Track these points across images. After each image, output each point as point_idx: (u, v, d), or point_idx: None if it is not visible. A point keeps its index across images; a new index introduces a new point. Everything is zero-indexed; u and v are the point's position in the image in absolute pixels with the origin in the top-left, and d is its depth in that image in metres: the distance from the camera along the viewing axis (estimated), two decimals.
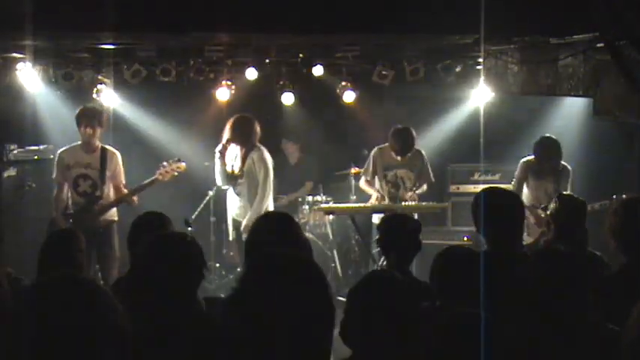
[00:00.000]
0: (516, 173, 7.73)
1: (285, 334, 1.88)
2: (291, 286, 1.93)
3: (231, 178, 7.55)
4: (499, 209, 4.10)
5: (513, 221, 4.17)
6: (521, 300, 3.22)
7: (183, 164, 7.42)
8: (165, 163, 7.35)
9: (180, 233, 3.58)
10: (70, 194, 7.25)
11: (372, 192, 8.16)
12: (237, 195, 7.59)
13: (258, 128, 7.52)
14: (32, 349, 1.58)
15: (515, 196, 4.56)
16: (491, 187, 4.69)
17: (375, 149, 8.19)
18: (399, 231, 4.52)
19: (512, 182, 7.73)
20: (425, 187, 8.22)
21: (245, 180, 7.49)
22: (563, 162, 7.56)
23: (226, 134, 7.49)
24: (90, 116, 7.20)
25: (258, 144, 7.54)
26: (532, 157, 7.60)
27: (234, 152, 7.52)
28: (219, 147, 7.50)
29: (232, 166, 7.53)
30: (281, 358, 1.89)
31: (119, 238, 7.09)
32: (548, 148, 7.49)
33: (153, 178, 7.29)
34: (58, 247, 4.52)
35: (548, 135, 7.64)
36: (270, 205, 7.54)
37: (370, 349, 2.74)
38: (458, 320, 2.57)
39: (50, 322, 1.63)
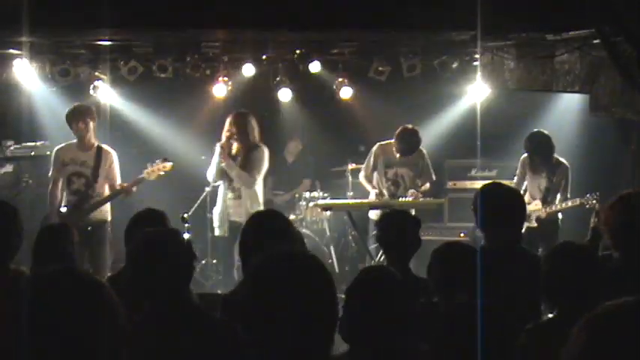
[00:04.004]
0: (517, 169, 7.75)
1: (290, 329, 1.89)
2: (297, 283, 1.95)
3: (226, 174, 7.51)
4: (499, 205, 4.11)
5: (513, 217, 4.17)
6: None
7: (169, 164, 7.41)
8: (152, 163, 7.36)
9: (168, 230, 3.61)
10: (64, 191, 7.25)
11: (370, 189, 8.15)
12: (232, 192, 7.53)
13: (256, 124, 7.51)
14: (31, 341, 1.60)
15: (516, 191, 4.55)
16: (493, 183, 4.69)
17: (377, 145, 8.15)
18: (399, 228, 4.51)
19: (515, 178, 7.75)
20: (428, 185, 8.20)
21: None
22: (561, 158, 7.55)
23: (227, 130, 7.47)
24: (80, 113, 7.20)
25: (260, 143, 7.51)
26: None
27: (234, 148, 7.49)
28: (223, 141, 7.46)
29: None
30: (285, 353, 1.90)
31: (113, 237, 7.10)
32: (537, 143, 7.47)
33: (139, 177, 7.29)
34: (50, 241, 4.53)
35: (537, 130, 7.62)
36: (260, 199, 7.54)
37: (368, 344, 2.75)
38: (455, 314, 2.58)
39: (49, 314, 1.64)
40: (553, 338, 3.04)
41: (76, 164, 7.21)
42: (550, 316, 3.40)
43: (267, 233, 3.62)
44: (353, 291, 2.82)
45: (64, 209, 7.16)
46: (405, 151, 7.93)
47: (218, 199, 7.64)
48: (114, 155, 7.32)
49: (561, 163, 7.52)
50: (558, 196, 7.45)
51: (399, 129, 7.93)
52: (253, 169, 7.40)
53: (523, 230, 7.07)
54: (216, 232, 7.66)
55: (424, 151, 8.16)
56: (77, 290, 1.70)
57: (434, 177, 8.27)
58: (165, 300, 3.15)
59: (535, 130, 7.63)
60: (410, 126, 7.94)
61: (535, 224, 7.37)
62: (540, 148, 7.44)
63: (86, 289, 1.71)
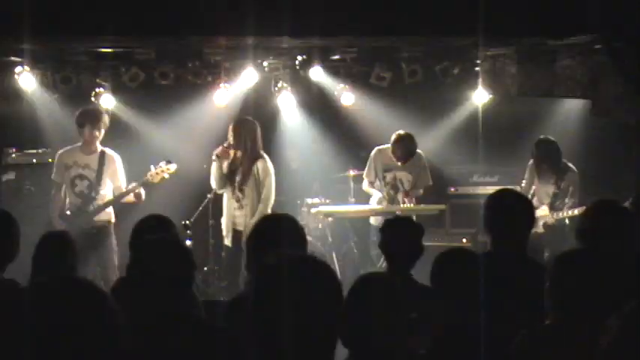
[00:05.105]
0: (525, 174, 7.73)
1: (293, 333, 1.89)
2: (302, 286, 1.94)
3: (228, 183, 7.46)
4: (511, 211, 4.11)
5: (523, 224, 4.16)
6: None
7: (173, 166, 7.39)
8: (155, 166, 7.33)
9: (166, 236, 3.60)
10: (67, 194, 7.25)
11: (375, 192, 8.11)
12: (237, 202, 7.45)
13: (260, 133, 7.42)
14: (30, 350, 1.59)
15: (527, 199, 4.55)
16: (505, 189, 4.71)
17: (375, 150, 8.15)
18: (401, 235, 4.50)
19: (522, 183, 7.73)
20: (421, 190, 8.17)
21: (250, 189, 7.34)
22: (569, 164, 7.51)
23: (229, 138, 7.38)
24: (96, 118, 7.21)
25: (262, 152, 7.42)
26: None
27: (236, 157, 7.41)
28: (219, 150, 7.42)
29: (234, 172, 7.41)
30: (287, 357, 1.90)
31: (119, 239, 7.08)
32: (544, 150, 7.46)
33: (143, 179, 7.28)
34: (50, 249, 4.52)
35: (544, 136, 7.61)
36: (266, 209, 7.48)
37: (368, 350, 2.74)
38: (455, 320, 2.57)
39: (47, 323, 1.64)
40: (551, 343, 3.04)
41: (79, 167, 7.22)
42: (548, 322, 3.38)
43: (270, 236, 3.61)
44: (353, 297, 2.81)
45: (67, 213, 7.17)
46: (403, 158, 7.91)
47: (224, 208, 7.59)
48: (117, 159, 7.33)
49: (569, 168, 7.48)
50: (566, 201, 7.41)
51: (394, 136, 7.91)
52: (264, 187, 7.29)
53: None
54: (225, 241, 7.60)
55: (422, 154, 8.14)
56: (76, 299, 1.70)
57: (431, 182, 8.23)
58: (163, 309, 3.14)
59: (542, 136, 7.60)
60: (403, 132, 7.92)
61: (542, 230, 7.34)
62: (548, 155, 7.42)
63: (86, 298, 1.71)
